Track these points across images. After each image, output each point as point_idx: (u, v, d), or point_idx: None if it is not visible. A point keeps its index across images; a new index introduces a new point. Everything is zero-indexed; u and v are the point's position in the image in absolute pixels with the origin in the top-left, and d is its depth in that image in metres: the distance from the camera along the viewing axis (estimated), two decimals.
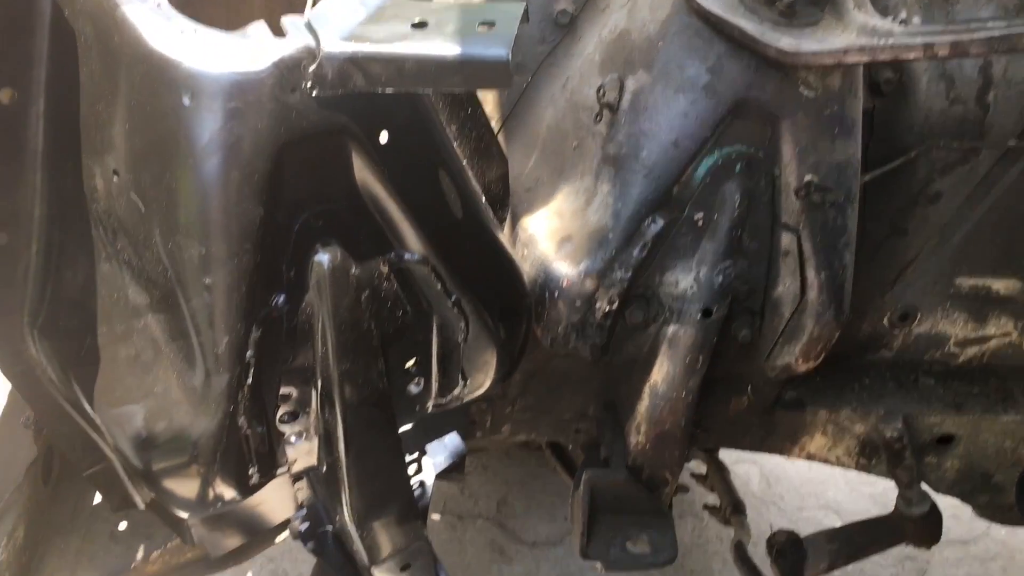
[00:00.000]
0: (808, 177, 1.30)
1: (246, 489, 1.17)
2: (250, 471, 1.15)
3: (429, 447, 1.49)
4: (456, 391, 1.27)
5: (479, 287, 1.21)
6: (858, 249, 1.38)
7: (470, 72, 0.96)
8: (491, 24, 0.99)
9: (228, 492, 1.16)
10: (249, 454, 1.12)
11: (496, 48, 0.95)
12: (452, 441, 1.54)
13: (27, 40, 1.01)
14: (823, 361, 1.48)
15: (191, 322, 1.02)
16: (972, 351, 1.66)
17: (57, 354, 1.13)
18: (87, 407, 1.12)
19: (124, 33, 0.95)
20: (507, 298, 1.27)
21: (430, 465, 1.51)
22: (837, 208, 1.32)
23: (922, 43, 1.11)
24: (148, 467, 1.12)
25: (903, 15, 1.27)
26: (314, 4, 1.09)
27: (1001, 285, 1.60)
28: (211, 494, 1.15)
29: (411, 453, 1.46)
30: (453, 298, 1.17)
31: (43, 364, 1.13)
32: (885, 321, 1.62)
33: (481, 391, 1.29)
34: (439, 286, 1.16)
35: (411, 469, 1.48)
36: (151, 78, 0.94)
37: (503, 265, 1.27)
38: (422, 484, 1.49)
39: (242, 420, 1.07)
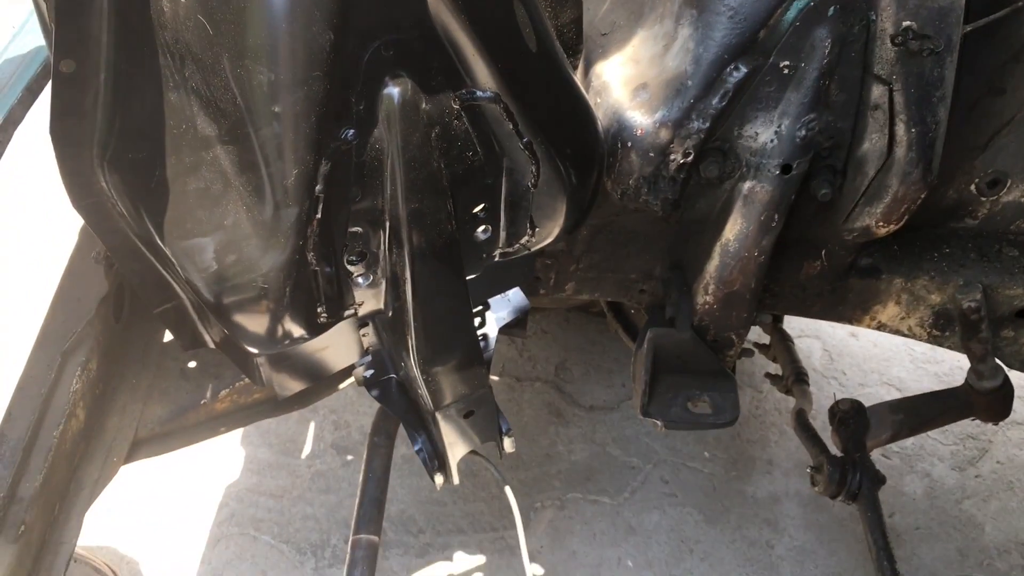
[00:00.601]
0: (907, 23, 1.22)
1: (314, 328, 1.17)
2: (319, 309, 1.15)
3: (493, 301, 1.48)
4: (524, 239, 1.24)
5: (552, 130, 1.17)
6: (952, 106, 1.31)
7: None
8: None
9: (296, 329, 1.16)
10: (318, 292, 1.12)
11: None
12: (516, 297, 1.53)
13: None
14: (904, 226, 1.42)
15: (260, 153, 1.00)
16: None
17: (127, 187, 1.11)
18: (158, 242, 1.12)
19: None
20: (580, 143, 1.22)
21: (493, 320, 1.50)
22: (935, 57, 1.24)
23: None
24: (219, 301, 1.12)
25: None
26: None
27: None
28: (280, 331, 1.15)
29: (476, 305, 1.45)
30: (525, 140, 1.13)
31: (113, 197, 1.13)
32: (973, 187, 1.54)
33: (549, 240, 1.27)
34: (511, 126, 1.12)
35: (475, 321, 1.47)
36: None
37: (577, 108, 1.22)
38: (485, 337, 1.48)
39: (311, 256, 1.06)
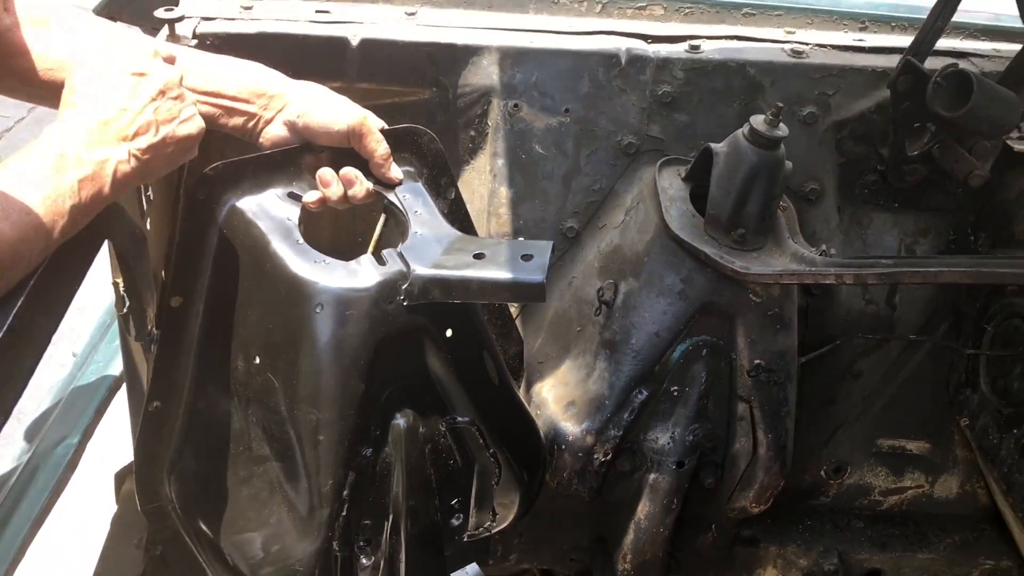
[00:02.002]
0: (757, 361, 1.70)
1: None
2: None
3: (455, 574, 1.82)
4: (487, 524, 1.62)
5: (508, 441, 1.58)
6: (798, 416, 1.78)
7: (516, 291, 1.37)
8: (529, 256, 1.40)
9: None
10: (336, 572, 1.45)
11: (535, 275, 1.36)
12: (473, 570, 1.86)
13: (198, 260, 1.40)
14: (773, 505, 1.84)
15: (303, 468, 1.38)
16: (893, 499, 2.05)
17: (186, 495, 1.47)
18: (208, 537, 1.45)
19: (274, 261, 1.35)
20: (529, 450, 1.63)
21: None
22: (779, 385, 1.72)
23: (834, 273, 1.54)
24: None
25: (823, 247, 1.70)
26: (379, 235, 1.49)
27: (914, 446, 2.01)
28: None
29: None
30: (491, 451, 1.54)
31: (173, 501, 1.48)
32: (822, 473, 2.00)
33: (506, 524, 1.64)
34: (481, 441, 1.53)
35: None
36: (293, 293, 1.33)
37: (526, 424, 1.64)
38: None
39: (336, 544, 1.41)
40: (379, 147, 1.47)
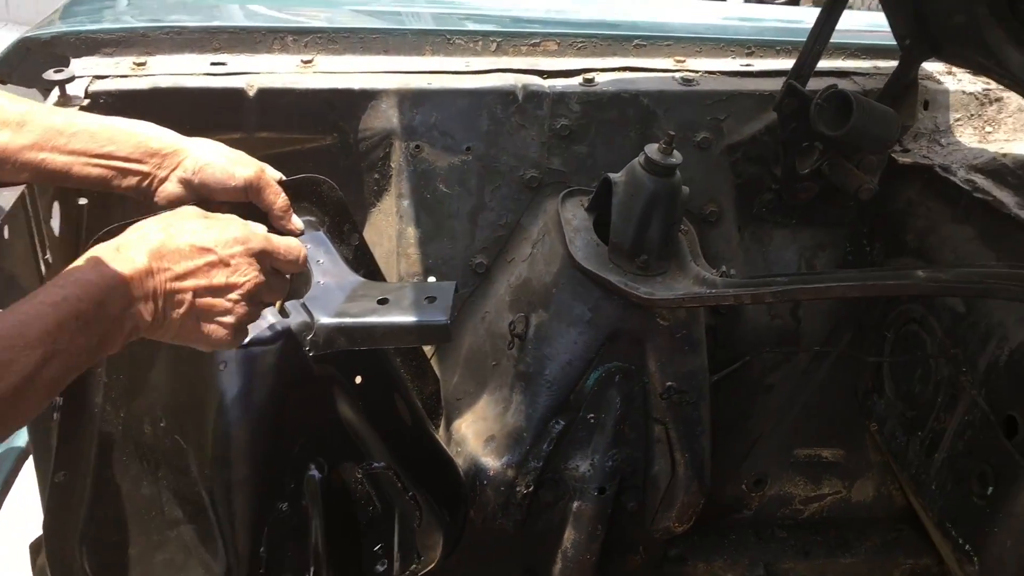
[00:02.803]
0: (668, 383, 1.73)
1: None
2: None
3: None
4: (412, 567, 1.61)
5: (427, 482, 1.58)
6: (714, 433, 1.81)
7: (421, 333, 1.38)
8: (433, 299, 1.41)
9: None
10: None
11: (438, 316, 1.37)
12: None
13: None
14: (697, 523, 1.88)
15: (218, 528, 1.36)
16: (813, 507, 2.10)
17: (99, 564, 1.44)
18: None
19: None
20: (448, 488, 1.64)
21: None
22: (692, 405, 1.75)
23: (733, 294, 1.58)
24: None
25: (723, 268, 1.75)
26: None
27: (829, 453, 2.07)
28: None
29: None
30: (409, 494, 1.54)
31: (87, 572, 1.44)
32: (743, 487, 2.05)
33: (432, 566, 1.64)
34: (399, 484, 1.53)
35: None
36: (196, 351, 1.32)
37: (444, 463, 1.65)
38: None
39: None
40: (278, 199, 1.46)
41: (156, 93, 1.69)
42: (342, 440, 1.46)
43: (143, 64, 1.76)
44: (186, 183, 1.43)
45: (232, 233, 1.18)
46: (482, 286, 1.90)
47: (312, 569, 1.45)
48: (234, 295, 1.16)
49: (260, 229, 1.25)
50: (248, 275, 1.17)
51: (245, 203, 1.45)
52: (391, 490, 1.53)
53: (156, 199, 1.44)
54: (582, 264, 1.69)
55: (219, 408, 1.32)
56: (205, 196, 1.44)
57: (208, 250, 1.14)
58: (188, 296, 1.12)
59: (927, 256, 1.81)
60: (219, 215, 1.22)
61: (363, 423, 1.47)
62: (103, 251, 1.08)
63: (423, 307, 1.39)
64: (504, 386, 1.79)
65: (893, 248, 1.90)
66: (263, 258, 1.21)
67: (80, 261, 1.07)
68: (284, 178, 1.49)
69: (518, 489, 1.76)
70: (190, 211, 1.22)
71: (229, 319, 1.15)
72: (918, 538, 2.06)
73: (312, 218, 1.52)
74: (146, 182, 1.43)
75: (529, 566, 1.96)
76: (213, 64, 1.79)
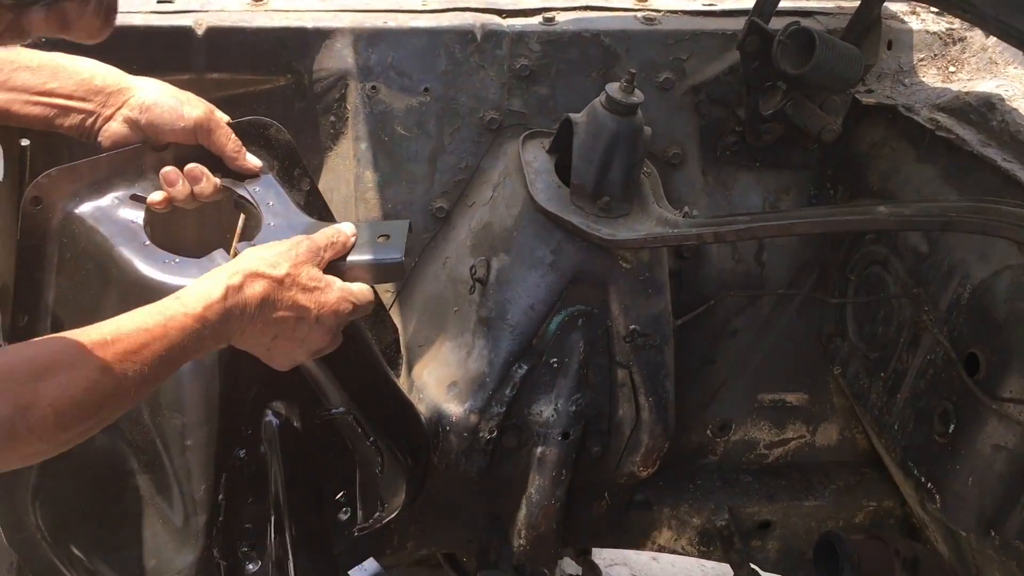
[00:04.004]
0: (632, 326, 1.71)
1: None
2: None
3: (351, 572, 1.79)
4: (376, 515, 1.59)
5: (388, 428, 1.56)
6: (678, 377, 1.80)
7: (376, 271, 1.35)
8: (387, 236, 1.38)
9: None
10: None
11: (393, 253, 1.35)
12: (371, 565, 1.84)
13: (39, 275, 1.34)
14: (662, 468, 1.87)
15: (174, 477, 1.33)
16: (778, 451, 2.10)
17: (53, 519, 1.40)
18: (82, 562, 1.39)
19: (120, 266, 1.29)
20: (410, 435, 1.62)
21: None
22: (656, 349, 1.74)
23: (696, 233, 1.56)
24: None
25: (687, 209, 1.72)
26: (242, 226, 1.45)
27: (793, 398, 2.07)
28: None
29: None
30: (371, 439, 1.51)
31: (41, 528, 1.41)
32: (708, 432, 2.04)
33: (396, 513, 1.62)
34: (359, 430, 1.50)
35: None
36: (143, 296, 1.27)
37: (404, 408, 1.63)
38: None
39: (216, 552, 1.37)
40: (229, 140, 1.42)
41: None
42: (300, 386, 1.43)
43: None
44: (132, 123, 1.39)
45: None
46: (443, 231, 1.86)
47: (273, 517, 1.43)
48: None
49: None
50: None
51: (191, 146, 1.41)
52: (351, 436, 1.51)
53: (100, 139, 1.39)
54: (543, 206, 1.66)
55: None
56: (152, 136, 1.40)
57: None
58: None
59: (890, 197, 1.79)
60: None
61: (320, 369, 1.44)
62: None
63: (377, 245, 1.36)
64: (466, 331, 1.77)
65: (857, 190, 1.89)
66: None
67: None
68: (231, 120, 1.45)
69: (481, 435, 1.74)
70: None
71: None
72: (881, 480, 2.07)
73: (261, 162, 1.48)
74: (90, 120, 1.38)
75: (494, 512, 1.95)
76: (160, 2, 1.72)
